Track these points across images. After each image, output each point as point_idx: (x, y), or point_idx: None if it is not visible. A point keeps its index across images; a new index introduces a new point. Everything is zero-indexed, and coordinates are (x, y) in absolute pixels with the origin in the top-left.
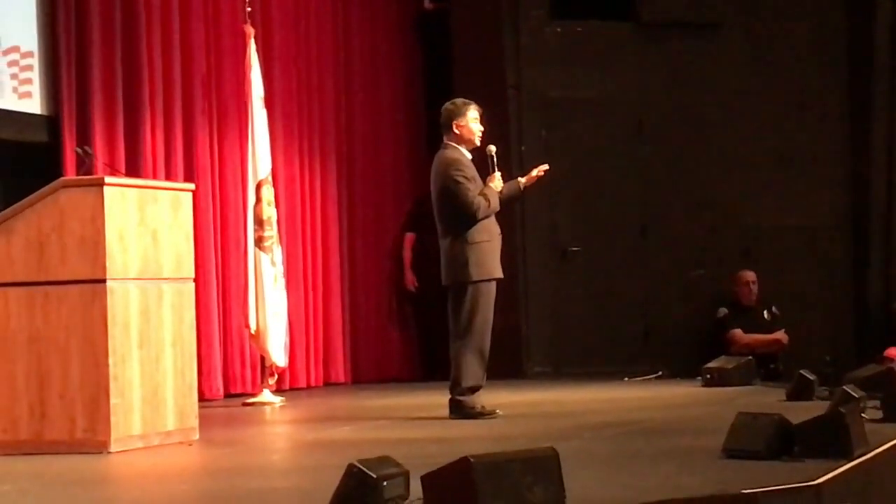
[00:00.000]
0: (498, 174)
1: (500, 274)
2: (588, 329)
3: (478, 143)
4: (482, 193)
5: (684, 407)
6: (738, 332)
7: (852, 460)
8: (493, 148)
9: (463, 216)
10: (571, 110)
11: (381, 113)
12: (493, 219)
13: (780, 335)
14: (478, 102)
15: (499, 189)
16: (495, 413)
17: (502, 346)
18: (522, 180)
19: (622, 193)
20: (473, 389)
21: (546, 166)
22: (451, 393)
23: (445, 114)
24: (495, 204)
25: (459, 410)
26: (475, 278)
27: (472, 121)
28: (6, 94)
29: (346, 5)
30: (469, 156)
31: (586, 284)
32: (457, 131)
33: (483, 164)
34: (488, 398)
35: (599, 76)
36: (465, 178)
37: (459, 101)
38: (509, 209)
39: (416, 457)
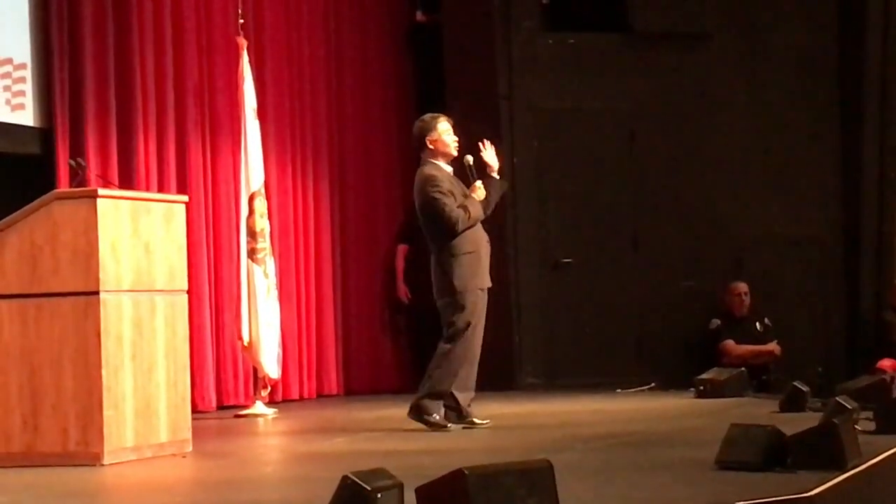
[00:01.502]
0: (479, 183)
1: (486, 284)
2: (580, 340)
3: (454, 153)
4: (461, 205)
5: (677, 418)
6: (730, 343)
7: (845, 472)
8: (470, 158)
9: (444, 230)
10: (563, 121)
11: (373, 124)
12: (479, 228)
13: (773, 346)
14: (470, 113)
15: (481, 198)
16: (447, 426)
17: (494, 357)
18: (495, 175)
19: (614, 204)
20: (436, 395)
21: (487, 144)
22: (419, 392)
23: (416, 131)
24: (476, 213)
25: (416, 411)
26: (460, 290)
27: (443, 133)
28: None
29: (339, 17)
30: (449, 168)
31: (578, 296)
32: (431, 146)
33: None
34: (481, 409)
35: (591, 87)
36: (441, 192)
37: (428, 116)
38: (501, 219)
39: (410, 468)
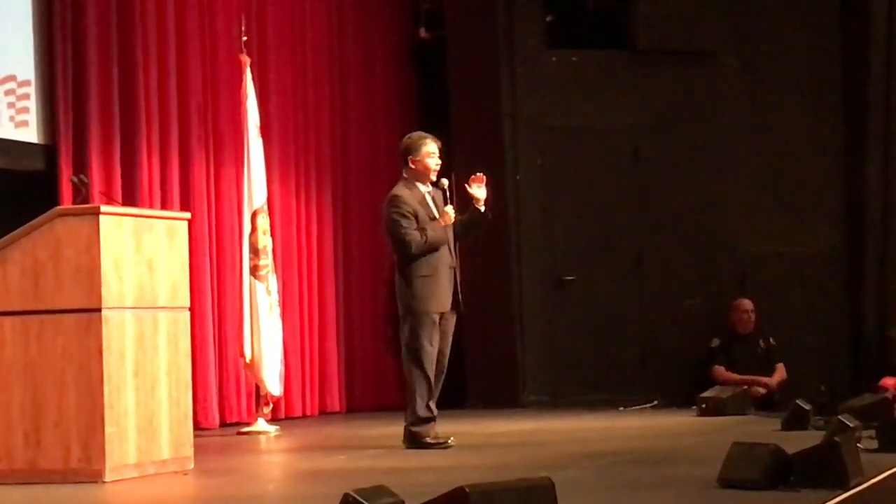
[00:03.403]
0: (449, 207)
1: (440, 308)
2: (584, 358)
3: (434, 178)
4: (421, 228)
5: (680, 436)
6: (719, 369)
7: (848, 490)
8: (445, 182)
9: (400, 251)
10: (567, 138)
11: (376, 141)
12: (443, 252)
13: (767, 380)
14: (474, 130)
15: (449, 222)
16: (447, 443)
17: (498, 374)
18: (480, 207)
19: (618, 222)
20: (423, 420)
21: (480, 175)
22: (405, 422)
23: (402, 147)
24: (436, 238)
25: (411, 440)
26: (414, 311)
27: (426, 156)
28: (2, 123)
29: (342, 34)
30: (426, 188)
31: (582, 313)
32: (412, 166)
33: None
34: (485, 427)
35: (595, 104)
36: (401, 214)
37: (416, 135)
38: (504, 236)
39: (412, 486)
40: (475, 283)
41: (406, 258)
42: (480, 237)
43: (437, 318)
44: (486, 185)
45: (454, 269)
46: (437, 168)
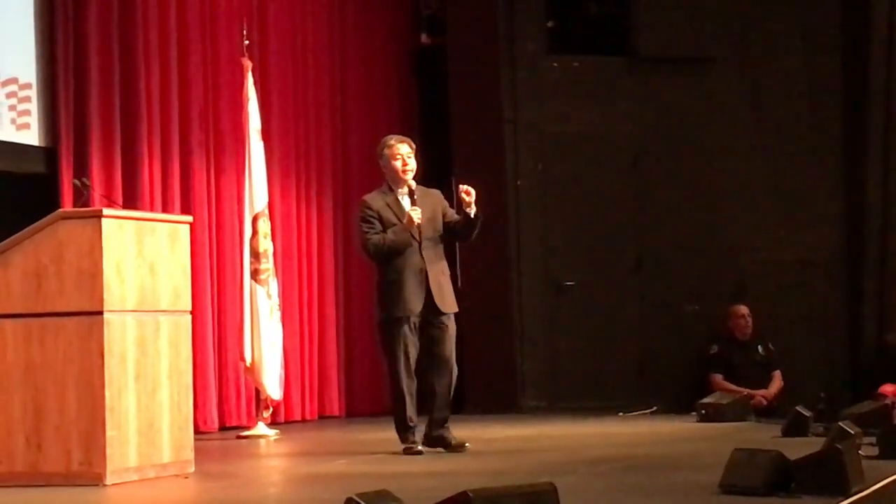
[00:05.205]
0: (415, 210)
1: (403, 312)
2: (583, 363)
3: (403, 177)
4: (381, 231)
5: (680, 442)
6: (717, 378)
7: (849, 497)
8: (413, 183)
9: (367, 256)
10: (567, 144)
11: (377, 146)
12: (408, 255)
13: (763, 392)
14: (474, 136)
15: (414, 224)
16: (417, 450)
17: (497, 379)
18: (468, 211)
19: (617, 228)
20: (399, 427)
21: (468, 188)
22: None
23: None
24: (395, 241)
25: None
26: (379, 315)
27: (391, 158)
28: (4, 126)
29: (343, 39)
30: (402, 190)
31: (581, 319)
32: (384, 171)
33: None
34: (484, 432)
35: (595, 111)
36: (363, 219)
37: (382, 139)
38: (503, 241)
39: (414, 491)
40: (474, 288)
41: (374, 261)
42: (479, 241)
43: (403, 322)
44: (478, 194)
45: (425, 271)
46: (407, 168)
